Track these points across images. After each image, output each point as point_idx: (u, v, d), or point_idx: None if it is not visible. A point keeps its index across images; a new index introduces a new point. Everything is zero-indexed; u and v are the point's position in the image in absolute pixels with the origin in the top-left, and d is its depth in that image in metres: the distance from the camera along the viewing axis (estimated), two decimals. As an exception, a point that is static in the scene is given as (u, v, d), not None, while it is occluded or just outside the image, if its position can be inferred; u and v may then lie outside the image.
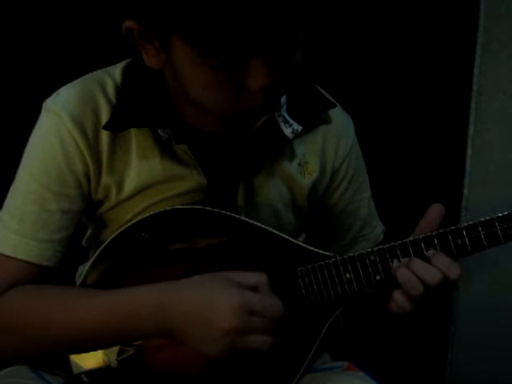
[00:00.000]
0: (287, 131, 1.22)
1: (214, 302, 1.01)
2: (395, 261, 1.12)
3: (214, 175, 1.20)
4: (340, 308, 1.17)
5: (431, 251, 1.10)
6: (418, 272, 1.09)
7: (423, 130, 1.96)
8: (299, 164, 1.27)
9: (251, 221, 1.18)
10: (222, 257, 1.16)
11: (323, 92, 1.29)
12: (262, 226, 1.17)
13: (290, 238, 1.18)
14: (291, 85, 1.15)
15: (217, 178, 1.20)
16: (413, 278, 1.09)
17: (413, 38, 1.87)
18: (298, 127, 1.23)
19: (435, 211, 1.13)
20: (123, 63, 1.22)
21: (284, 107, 1.24)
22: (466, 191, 1.96)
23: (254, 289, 1.04)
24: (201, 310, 1.02)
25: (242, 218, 1.18)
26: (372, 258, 1.13)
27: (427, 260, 1.10)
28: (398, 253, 1.12)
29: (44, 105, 1.18)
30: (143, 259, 1.16)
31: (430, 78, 1.91)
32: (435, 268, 1.09)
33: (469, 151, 1.93)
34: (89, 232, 1.34)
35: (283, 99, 1.23)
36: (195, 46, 0.98)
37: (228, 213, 1.17)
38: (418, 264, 1.10)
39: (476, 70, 1.89)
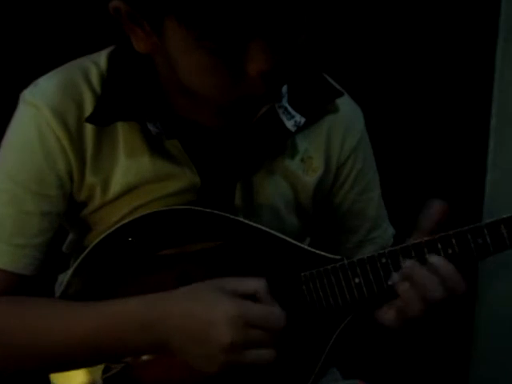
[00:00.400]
0: (289, 124, 1.16)
1: (208, 316, 0.96)
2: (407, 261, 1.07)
3: (208, 173, 1.15)
4: (348, 317, 1.11)
5: (440, 260, 1.05)
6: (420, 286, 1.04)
7: (443, 124, 1.91)
8: (302, 160, 1.21)
9: (250, 222, 1.12)
10: (218, 262, 1.11)
11: (329, 80, 1.22)
12: (262, 227, 1.12)
13: (292, 241, 1.13)
14: (294, 72, 1.10)
15: (212, 177, 1.15)
16: (414, 296, 1.04)
17: (433, 28, 1.86)
18: (300, 119, 1.17)
19: (434, 206, 1.08)
20: (109, 49, 1.15)
21: (285, 97, 1.17)
22: (487, 187, 1.90)
23: (252, 297, 0.99)
24: (195, 325, 0.97)
25: (240, 219, 1.13)
26: (383, 260, 1.07)
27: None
28: (412, 254, 1.07)
29: (21, 96, 1.12)
30: (130, 266, 1.11)
31: (451, 70, 1.88)
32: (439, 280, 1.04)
33: (491, 145, 1.88)
34: (70, 237, 1.27)
35: (284, 88, 1.17)
36: (190, 28, 0.92)
37: (224, 214, 1.11)
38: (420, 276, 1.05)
39: (498, 63, 1.84)
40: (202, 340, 0.97)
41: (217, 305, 0.97)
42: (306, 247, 1.13)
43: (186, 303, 0.99)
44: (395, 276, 1.06)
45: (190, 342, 0.98)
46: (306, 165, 1.21)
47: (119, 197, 1.14)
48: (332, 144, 1.23)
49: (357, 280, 1.08)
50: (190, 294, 1.00)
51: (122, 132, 1.11)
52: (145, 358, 1.08)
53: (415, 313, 1.04)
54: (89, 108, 1.10)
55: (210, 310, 0.97)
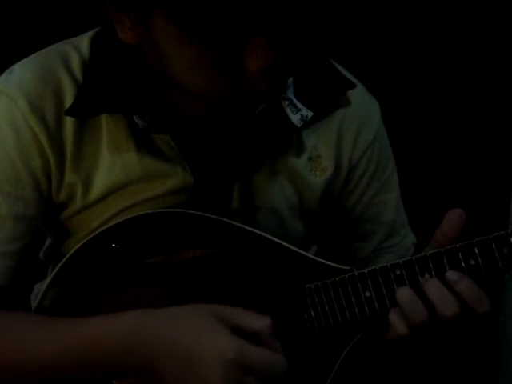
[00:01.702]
0: (295, 118, 1.11)
1: (201, 351, 0.90)
2: (426, 275, 1.00)
3: (202, 172, 1.10)
4: (358, 335, 1.04)
5: (454, 274, 0.98)
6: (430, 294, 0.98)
7: (469, 127, 1.87)
8: (309, 159, 1.15)
9: (248, 227, 1.07)
10: (212, 272, 1.05)
11: (340, 69, 1.16)
12: (261, 233, 1.07)
13: (296, 249, 1.07)
14: (298, 66, 1.06)
15: (206, 176, 1.11)
16: (415, 300, 0.98)
17: (456, 21, 1.84)
18: (307, 113, 1.11)
19: (454, 218, 1.00)
20: (91, 33, 1.10)
21: (291, 88, 1.12)
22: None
23: (254, 336, 0.92)
24: (185, 357, 0.91)
25: (237, 224, 1.07)
26: (398, 272, 1.01)
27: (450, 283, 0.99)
28: (430, 265, 1.00)
29: None
30: (114, 276, 1.06)
31: (477, 70, 1.85)
32: (454, 296, 0.98)
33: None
34: (48, 242, 1.22)
35: (290, 79, 1.12)
36: (180, 23, 0.89)
37: (219, 218, 1.06)
38: (432, 285, 0.98)
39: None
40: (187, 375, 0.91)
41: (214, 340, 0.90)
42: (311, 256, 1.07)
43: (176, 327, 0.93)
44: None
45: (174, 374, 0.92)
46: (314, 164, 1.16)
47: (102, 198, 1.09)
48: (344, 141, 1.17)
49: (367, 294, 1.02)
50: (183, 317, 0.94)
51: (106, 126, 1.06)
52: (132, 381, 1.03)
53: (420, 318, 0.98)
54: (69, 99, 1.05)
55: (202, 343, 0.90)
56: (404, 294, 0.98)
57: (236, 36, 0.90)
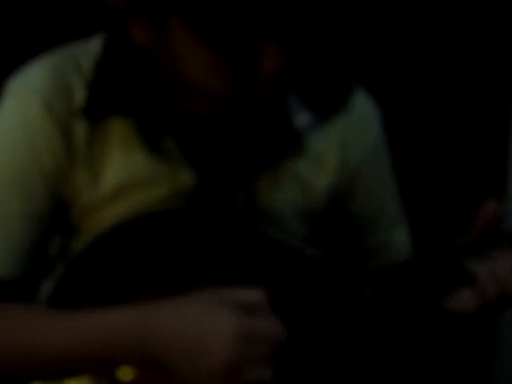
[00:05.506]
0: (297, 122, 1.12)
1: (206, 329, 0.90)
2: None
3: (207, 175, 1.10)
4: (366, 334, 1.08)
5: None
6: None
7: (461, 123, 1.91)
8: (314, 162, 1.15)
9: (252, 226, 1.08)
10: (215, 273, 1.05)
11: (343, 76, 1.18)
12: (266, 232, 1.08)
13: (300, 248, 1.08)
14: (305, 70, 1.10)
15: (211, 179, 1.10)
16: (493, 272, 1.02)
17: (450, 25, 1.88)
18: (310, 118, 1.13)
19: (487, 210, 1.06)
20: (102, 35, 1.10)
21: (295, 93, 1.13)
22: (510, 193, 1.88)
23: (253, 309, 0.93)
24: (191, 338, 0.91)
25: (242, 222, 1.08)
26: (400, 271, 1.07)
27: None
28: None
29: (7, 85, 1.08)
30: (120, 276, 1.05)
31: (471, 69, 1.89)
32: None
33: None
34: (56, 241, 1.17)
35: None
36: (197, 28, 0.92)
37: (222, 218, 1.08)
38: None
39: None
40: (196, 355, 0.90)
41: (215, 316, 0.90)
42: (313, 256, 1.08)
43: (174, 312, 0.93)
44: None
45: (182, 357, 0.91)
46: (319, 168, 1.16)
47: (110, 198, 1.08)
48: (348, 146, 1.18)
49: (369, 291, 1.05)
50: (182, 302, 0.94)
51: (116, 127, 1.07)
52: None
53: (492, 294, 1.02)
54: (80, 99, 1.05)
55: (206, 322, 0.90)
56: (482, 267, 1.02)
57: (250, 39, 0.92)
